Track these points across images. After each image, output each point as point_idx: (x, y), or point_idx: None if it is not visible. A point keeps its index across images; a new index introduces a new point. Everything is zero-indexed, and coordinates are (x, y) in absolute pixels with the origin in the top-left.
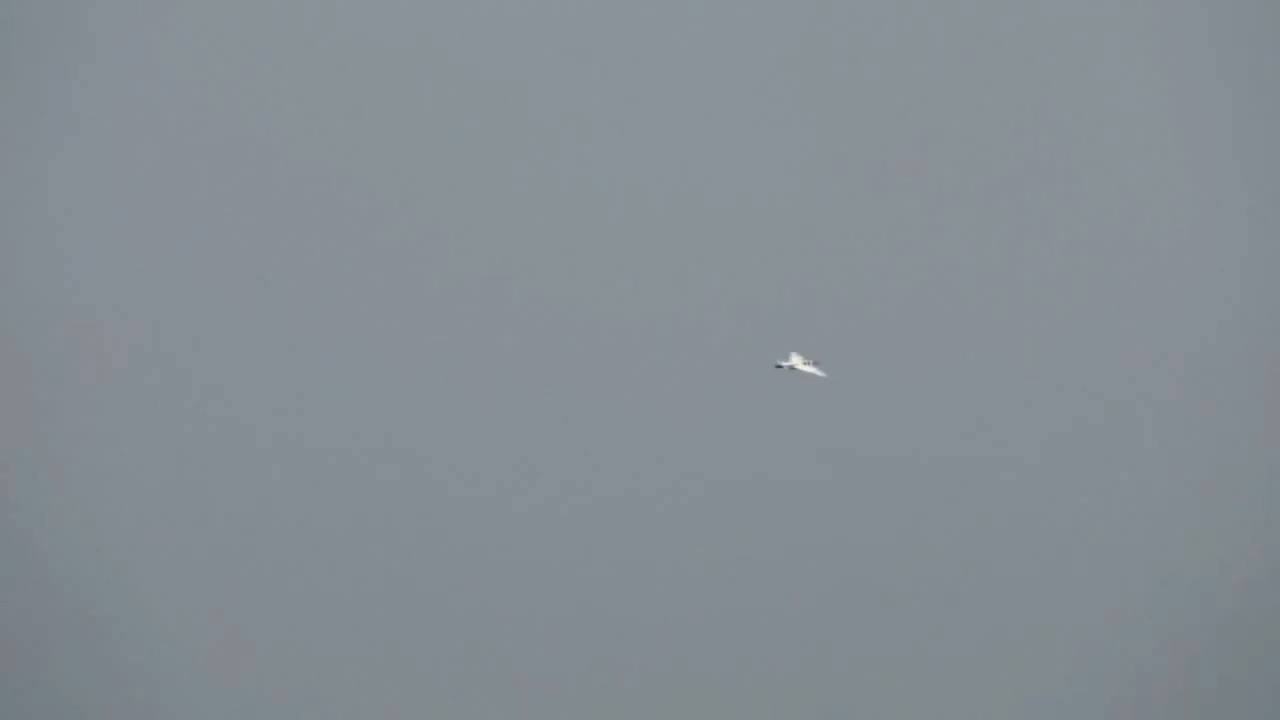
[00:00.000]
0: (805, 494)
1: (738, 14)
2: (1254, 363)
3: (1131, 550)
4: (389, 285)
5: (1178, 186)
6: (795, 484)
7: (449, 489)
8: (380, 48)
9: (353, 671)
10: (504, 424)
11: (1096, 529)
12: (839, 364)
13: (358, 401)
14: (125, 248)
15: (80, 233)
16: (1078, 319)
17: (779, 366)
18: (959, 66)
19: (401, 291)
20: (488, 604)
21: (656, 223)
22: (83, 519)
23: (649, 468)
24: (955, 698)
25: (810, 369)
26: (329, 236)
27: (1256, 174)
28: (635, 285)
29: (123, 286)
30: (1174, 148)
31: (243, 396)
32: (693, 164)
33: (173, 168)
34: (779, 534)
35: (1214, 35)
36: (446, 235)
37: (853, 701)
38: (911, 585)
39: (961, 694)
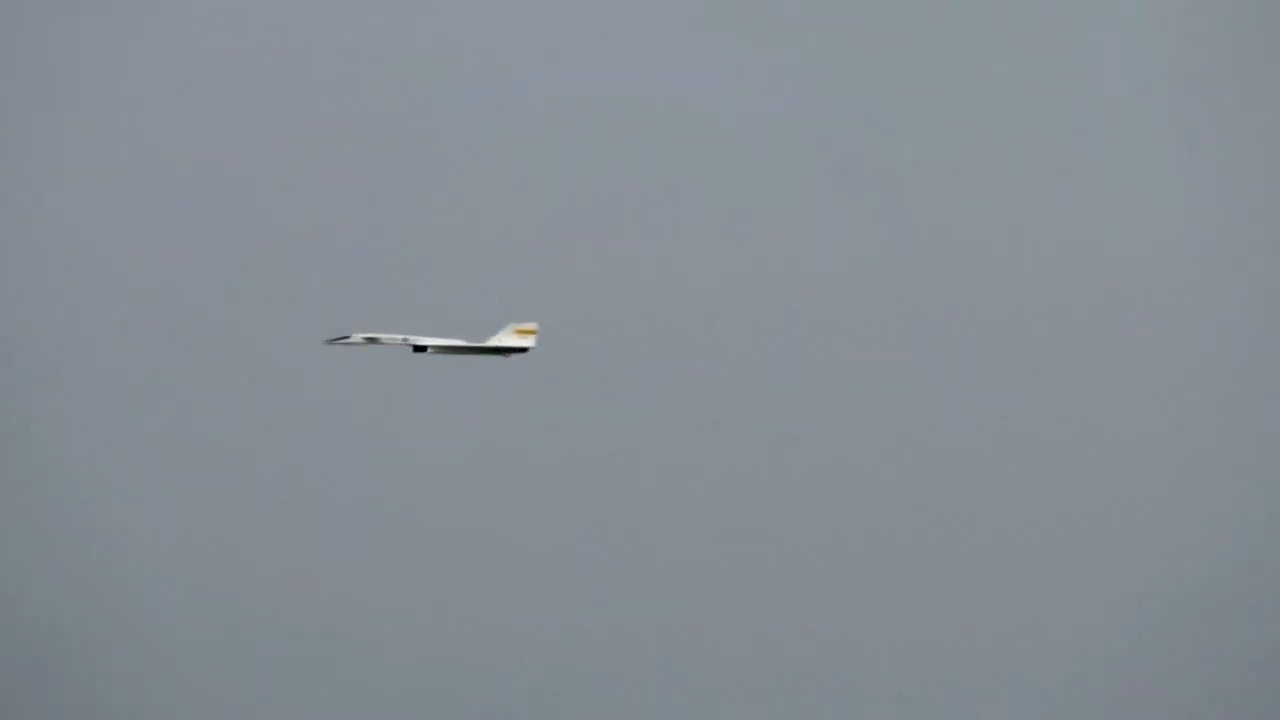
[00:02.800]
0: (795, 490)
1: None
2: (1255, 363)
3: (1126, 553)
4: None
5: (1175, 184)
6: (784, 479)
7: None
8: None
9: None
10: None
11: (1090, 531)
12: (832, 361)
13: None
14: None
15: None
16: (1072, 314)
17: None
18: (953, 59)
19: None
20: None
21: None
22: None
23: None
24: (950, 698)
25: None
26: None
27: (1257, 172)
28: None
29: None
30: (1171, 143)
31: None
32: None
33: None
34: (761, 533)
35: (1212, 34)
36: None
37: (843, 703)
38: (903, 587)
39: (956, 694)
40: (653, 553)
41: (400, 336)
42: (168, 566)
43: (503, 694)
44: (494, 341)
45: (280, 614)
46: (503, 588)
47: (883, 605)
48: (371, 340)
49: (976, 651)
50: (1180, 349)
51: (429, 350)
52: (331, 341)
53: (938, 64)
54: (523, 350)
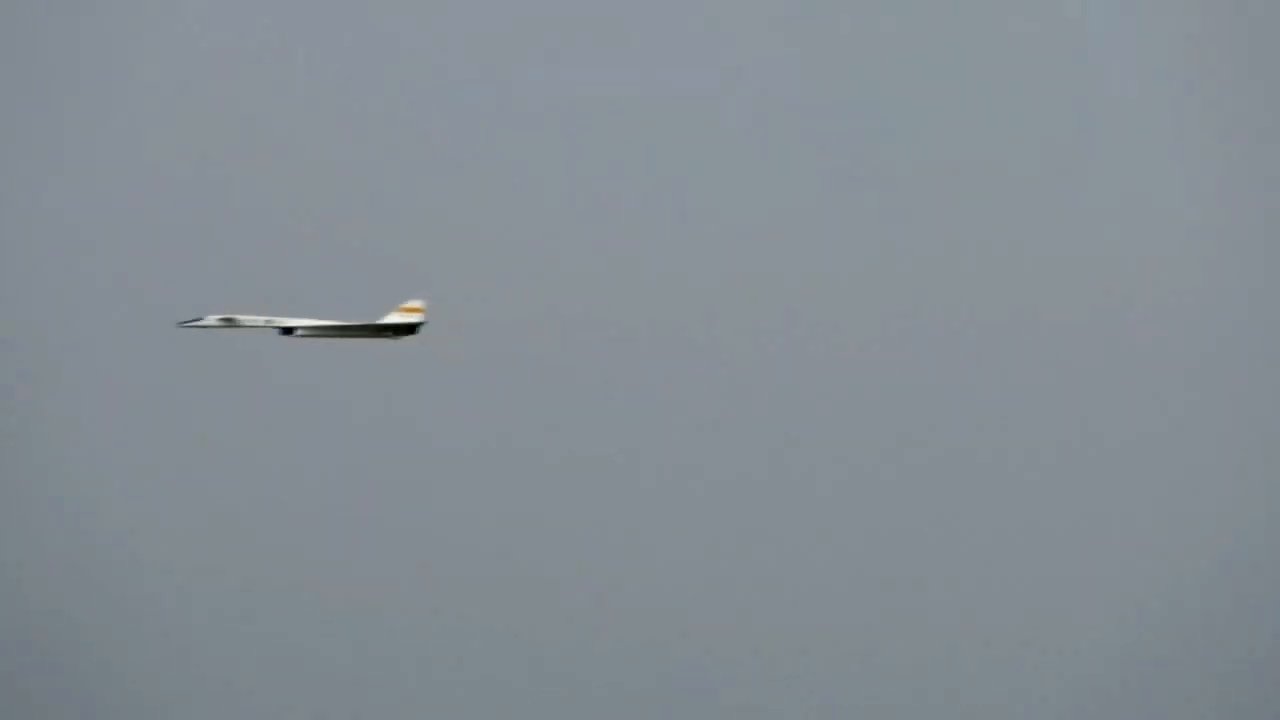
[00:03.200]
0: (793, 489)
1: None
2: (1255, 363)
3: (1126, 553)
4: None
5: (1175, 185)
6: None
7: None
8: None
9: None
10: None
11: (1090, 532)
12: (832, 362)
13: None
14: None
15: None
16: (1071, 314)
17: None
18: (950, 57)
19: None
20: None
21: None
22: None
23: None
24: (950, 698)
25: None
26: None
27: (1257, 172)
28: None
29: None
30: (1172, 142)
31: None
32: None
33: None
34: (761, 533)
35: (1213, 34)
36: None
37: (843, 702)
38: (903, 587)
39: (953, 694)
40: (652, 552)
41: (264, 319)
42: (169, 565)
43: (504, 691)
44: (380, 321)
45: (284, 611)
46: (502, 587)
47: (883, 605)
48: (229, 322)
49: (977, 651)
50: (1180, 350)
51: (297, 333)
52: (185, 325)
53: (938, 64)
54: (411, 329)
